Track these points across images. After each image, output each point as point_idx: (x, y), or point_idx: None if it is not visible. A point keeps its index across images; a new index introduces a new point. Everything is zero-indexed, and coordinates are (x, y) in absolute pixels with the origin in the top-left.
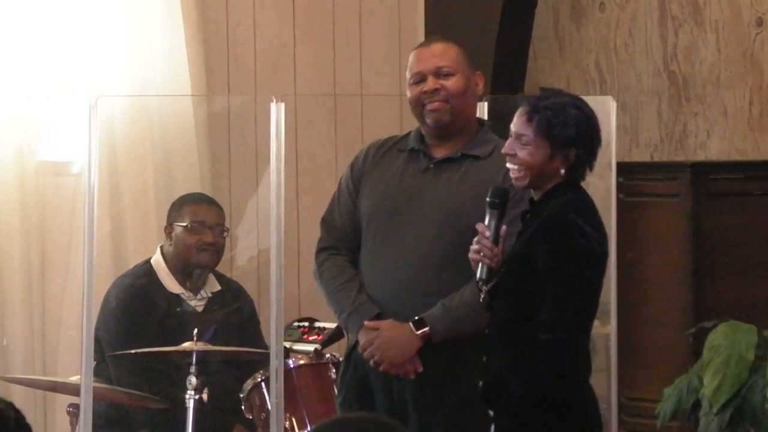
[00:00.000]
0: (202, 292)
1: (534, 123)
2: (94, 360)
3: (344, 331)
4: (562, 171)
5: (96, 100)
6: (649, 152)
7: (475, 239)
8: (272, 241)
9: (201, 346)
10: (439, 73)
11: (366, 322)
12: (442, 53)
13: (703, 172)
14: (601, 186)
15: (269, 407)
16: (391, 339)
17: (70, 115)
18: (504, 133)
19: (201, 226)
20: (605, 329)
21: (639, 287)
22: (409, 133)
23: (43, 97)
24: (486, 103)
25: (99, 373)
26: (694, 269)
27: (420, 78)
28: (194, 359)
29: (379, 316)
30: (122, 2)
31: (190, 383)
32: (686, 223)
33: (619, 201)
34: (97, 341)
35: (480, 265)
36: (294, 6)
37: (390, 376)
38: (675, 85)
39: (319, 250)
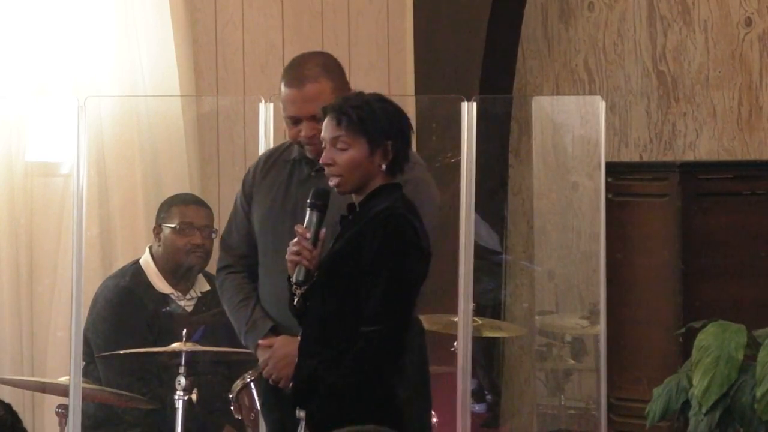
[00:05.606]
0: (191, 292)
1: (345, 123)
2: (83, 361)
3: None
4: (383, 166)
5: (84, 100)
6: (638, 152)
7: (294, 240)
8: None
9: (190, 346)
10: (314, 118)
11: (260, 341)
12: (315, 97)
13: (692, 172)
14: (591, 186)
15: (258, 408)
16: (285, 357)
17: (59, 115)
18: (493, 134)
19: (190, 227)
20: (594, 329)
21: (628, 287)
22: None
23: (32, 98)
24: (474, 104)
25: (88, 373)
26: (683, 269)
27: (295, 120)
28: (183, 360)
29: (274, 330)
30: (111, 3)
31: (179, 384)
32: (675, 223)
33: (608, 201)
34: (86, 342)
35: (297, 267)
36: (282, 7)
37: None
38: (664, 85)
39: (219, 270)
